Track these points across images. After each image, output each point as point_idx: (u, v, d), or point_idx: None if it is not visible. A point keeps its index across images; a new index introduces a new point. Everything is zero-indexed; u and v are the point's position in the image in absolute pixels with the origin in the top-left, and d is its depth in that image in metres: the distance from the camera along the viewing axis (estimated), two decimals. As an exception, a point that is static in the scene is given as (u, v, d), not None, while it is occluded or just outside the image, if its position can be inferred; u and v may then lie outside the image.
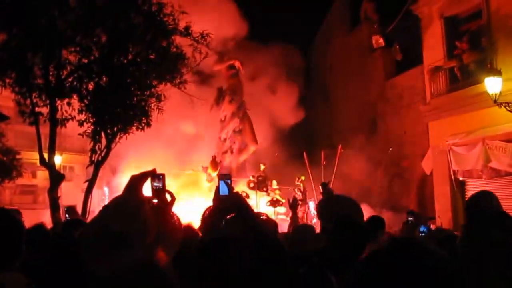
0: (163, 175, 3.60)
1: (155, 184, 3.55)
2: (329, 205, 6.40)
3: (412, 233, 11.11)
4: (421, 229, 10.63)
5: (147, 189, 3.33)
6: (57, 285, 4.94)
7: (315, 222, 26.05)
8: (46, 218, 14.08)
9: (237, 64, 29.08)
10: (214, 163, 27.31)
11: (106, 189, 31.99)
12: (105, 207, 3.23)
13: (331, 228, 5.32)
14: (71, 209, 13.69)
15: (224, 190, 4.25)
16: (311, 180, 27.71)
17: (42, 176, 35.97)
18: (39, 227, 6.55)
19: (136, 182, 3.29)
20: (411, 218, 12.23)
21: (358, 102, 34.66)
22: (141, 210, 3.10)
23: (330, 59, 39.30)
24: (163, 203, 3.53)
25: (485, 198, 5.72)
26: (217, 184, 4.34)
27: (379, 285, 1.94)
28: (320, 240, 6.41)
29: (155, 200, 3.46)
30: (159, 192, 3.54)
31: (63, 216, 17.49)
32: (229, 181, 4.30)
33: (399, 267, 1.94)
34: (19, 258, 3.76)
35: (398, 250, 2.01)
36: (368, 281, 1.98)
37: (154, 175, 3.53)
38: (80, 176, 38.19)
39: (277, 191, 28.46)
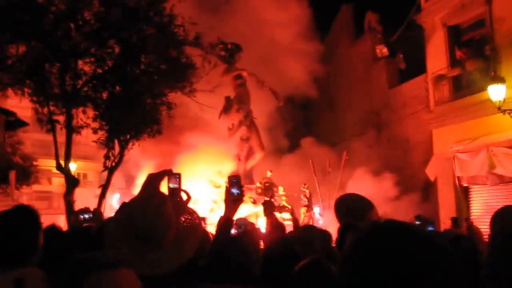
0: (179, 174, 3.92)
1: (172, 183, 3.85)
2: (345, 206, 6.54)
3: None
4: (429, 228, 10.75)
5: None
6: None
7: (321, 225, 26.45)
8: (60, 223, 14.37)
9: (244, 74, 29.33)
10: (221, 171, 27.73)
11: (118, 195, 32.18)
12: (126, 204, 3.53)
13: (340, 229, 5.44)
14: (97, 213, 13.84)
15: (234, 190, 4.50)
16: (316, 186, 27.98)
17: (57, 183, 36.24)
18: (52, 227, 6.66)
19: (153, 180, 3.63)
20: (418, 223, 12.30)
21: (362, 111, 34.92)
22: (165, 207, 3.29)
23: (335, 69, 39.51)
24: (179, 201, 3.77)
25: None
26: (227, 185, 4.63)
27: (363, 275, 1.73)
28: (326, 240, 6.70)
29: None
30: (175, 191, 3.83)
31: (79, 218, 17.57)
32: (239, 181, 4.62)
33: (384, 250, 1.73)
34: (36, 254, 3.88)
35: (379, 232, 1.82)
36: (351, 271, 1.77)
37: (171, 174, 3.85)
38: (93, 183, 38.51)
39: (284, 197, 28.71)
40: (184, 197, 3.87)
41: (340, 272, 1.84)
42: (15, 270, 3.58)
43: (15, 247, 3.73)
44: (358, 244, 1.81)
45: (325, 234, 7.02)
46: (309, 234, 6.35)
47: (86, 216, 10.30)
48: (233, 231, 7.05)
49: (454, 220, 19.18)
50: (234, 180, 4.56)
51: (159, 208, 3.25)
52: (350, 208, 6.08)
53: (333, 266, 4.01)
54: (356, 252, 1.80)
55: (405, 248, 1.73)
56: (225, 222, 4.52)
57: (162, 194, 3.49)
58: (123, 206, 3.54)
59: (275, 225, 7.90)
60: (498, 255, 3.77)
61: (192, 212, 3.59)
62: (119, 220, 3.47)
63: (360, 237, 1.83)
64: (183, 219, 3.46)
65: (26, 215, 3.94)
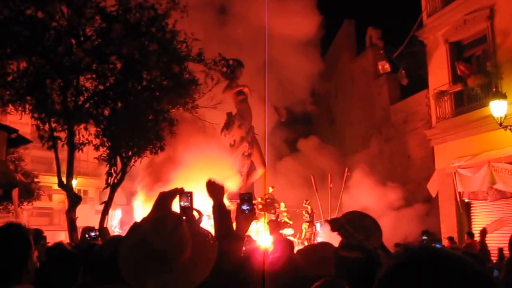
0: (190, 193, 3.84)
1: (183, 202, 3.77)
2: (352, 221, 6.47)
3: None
4: (437, 245, 10.71)
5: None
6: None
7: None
8: (61, 239, 14.34)
9: (245, 90, 29.37)
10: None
11: (119, 211, 32.17)
12: (138, 225, 3.46)
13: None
14: (103, 230, 13.76)
15: (245, 208, 4.36)
16: (318, 202, 27.97)
17: (58, 199, 36.39)
18: (60, 245, 6.53)
19: (164, 199, 3.55)
20: (425, 238, 12.22)
21: (363, 126, 35.01)
22: (180, 227, 3.22)
23: (336, 84, 39.63)
24: (192, 220, 3.71)
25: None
26: (238, 202, 4.47)
27: None
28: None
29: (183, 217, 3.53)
30: (187, 209, 3.76)
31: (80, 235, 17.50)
32: (250, 198, 4.46)
33: (421, 277, 1.67)
34: (28, 272, 3.76)
35: (416, 259, 1.73)
36: None
37: (182, 193, 3.78)
38: (93, 199, 38.59)
39: (285, 213, 28.72)
40: (196, 215, 3.84)
41: None
42: (5, 288, 3.51)
43: (4, 265, 3.65)
44: (396, 272, 1.74)
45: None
46: (328, 253, 6.31)
47: (92, 234, 10.26)
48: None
49: (451, 239, 19.26)
50: (246, 198, 4.47)
51: (175, 229, 3.19)
52: (355, 227, 6.04)
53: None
54: (394, 280, 1.72)
55: (450, 279, 1.65)
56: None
57: (177, 214, 3.44)
58: (135, 227, 3.48)
59: (284, 243, 7.82)
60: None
61: (207, 233, 3.54)
62: (133, 242, 3.37)
63: (398, 265, 1.75)
64: (198, 240, 3.39)
65: (15, 233, 3.84)
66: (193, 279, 3.20)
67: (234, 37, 31.48)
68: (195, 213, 3.84)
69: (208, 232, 3.58)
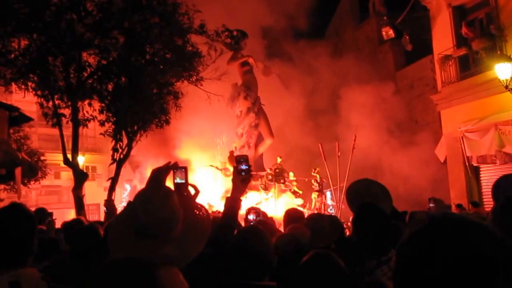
0: (185, 168, 3.77)
1: (178, 177, 3.70)
2: (359, 192, 6.42)
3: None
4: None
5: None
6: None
7: (332, 211, 26.46)
8: (70, 217, 14.38)
9: (250, 60, 29.24)
10: (232, 158, 27.57)
11: (127, 186, 32.29)
12: (131, 201, 3.41)
13: (355, 216, 5.41)
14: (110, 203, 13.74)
15: (242, 169, 4.48)
16: (327, 171, 27.92)
17: (66, 177, 36.44)
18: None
19: (158, 175, 3.49)
20: (432, 205, 12.15)
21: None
22: (168, 202, 3.18)
23: (340, 52, 39.50)
24: (187, 196, 3.64)
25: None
26: (234, 164, 4.60)
27: (422, 271, 1.67)
28: (336, 229, 6.63)
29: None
30: (181, 185, 3.68)
31: (88, 214, 17.56)
32: (246, 160, 4.58)
33: (446, 245, 1.66)
34: (31, 254, 3.73)
35: (441, 227, 1.73)
36: (410, 267, 1.72)
37: (176, 168, 3.69)
38: (102, 175, 38.63)
39: (294, 183, 28.74)
40: (192, 191, 3.76)
41: (397, 269, 1.79)
42: (10, 272, 3.49)
43: (9, 248, 3.60)
44: (421, 239, 1.74)
45: (334, 221, 6.97)
46: (318, 224, 6.29)
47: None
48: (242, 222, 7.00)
49: (460, 206, 19.22)
50: (242, 160, 4.53)
51: (163, 201, 3.15)
52: (362, 197, 5.99)
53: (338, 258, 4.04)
54: (418, 248, 1.72)
55: (476, 245, 1.66)
56: (233, 202, 4.52)
57: (167, 187, 3.37)
58: (128, 204, 3.45)
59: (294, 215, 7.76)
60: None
61: (200, 207, 3.49)
62: (122, 218, 3.40)
63: (422, 232, 1.76)
64: (191, 214, 3.36)
65: (20, 215, 3.78)
66: (187, 253, 3.15)
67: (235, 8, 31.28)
68: (190, 188, 3.75)
69: (202, 206, 3.53)
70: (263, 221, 7.39)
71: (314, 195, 28.27)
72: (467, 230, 1.70)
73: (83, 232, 6.13)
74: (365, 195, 6.02)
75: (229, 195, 4.53)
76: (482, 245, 1.65)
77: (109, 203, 15.64)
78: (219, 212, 7.94)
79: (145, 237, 3.08)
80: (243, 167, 4.49)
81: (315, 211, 25.51)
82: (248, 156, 4.76)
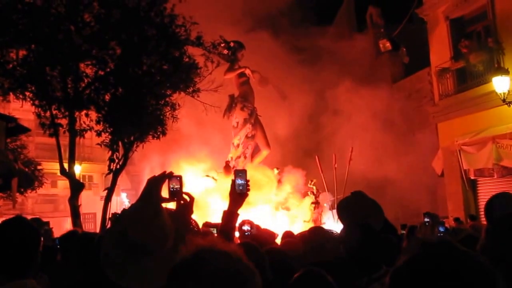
0: (180, 177, 3.81)
1: (172, 185, 3.75)
2: (349, 206, 6.45)
3: (431, 234, 11.07)
4: (441, 229, 10.59)
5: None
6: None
7: (324, 223, 26.43)
8: (67, 226, 14.38)
9: (247, 71, 29.22)
10: (227, 168, 27.53)
11: (123, 194, 32.33)
12: (121, 215, 3.43)
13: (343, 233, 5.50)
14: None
15: (240, 184, 4.48)
16: (323, 183, 27.90)
17: (62, 186, 36.37)
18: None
19: (153, 185, 3.51)
20: (427, 220, 12.18)
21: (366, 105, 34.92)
22: (158, 218, 3.22)
23: (337, 64, 39.52)
24: (180, 204, 3.73)
25: (505, 200, 5.45)
26: (232, 178, 4.59)
27: None
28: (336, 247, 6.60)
29: (174, 202, 3.67)
30: (176, 193, 3.74)
31: (85, 223, 17.52)
32: (244, 175, 4.57)
33: (438, 276, 1.74)
34: (34, 266, 3.77)
35: (434, 256, 1.80)
36: None
37: (172, 177, 3.74)
38: (98, 185, 38.70)
39: (291, 194, 28.70)
40: (187, 199, 3.79)
41: None
42: (11, 283, 3.52)
43: (12, 259, 3.64)
44: (414, 266, 1.83)
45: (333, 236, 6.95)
46: (320, 238, 6.27)
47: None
48: (237, 234, 7.00)
49: (457, 220, 19.25)
50: (240, 174, 4.55)
51: (152, 220, 3.17)
52: (352, 211, 6.00)
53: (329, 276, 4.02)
54: (411, 275, 1.81)
55: (465, 277, 1.75)
56: (230, 216, 4.52)
57: (156, 203, 3.39)
58: (120, 216, 3.47)
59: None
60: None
61: (190, 221, 3.61)
62: (114, 231, 3.41)
63: (415, 260, 1.85)
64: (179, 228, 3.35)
65: (23, 229, 3.83)
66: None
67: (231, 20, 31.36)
68: (185, 196, 3.79)
69: (192, 220, 3.67)
70: (256, 235, 7.42)
71: (310, 207, 28.22)
72: (458, 262, 1.79)
73: (78, 241, 6.13)
74: (356, 209, 6.04)
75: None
76: (471, 277, 1.75)
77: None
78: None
79: (135, 254, 3.11)
80: (241, 181, 4.49)
81: (312, 223, 25.48)
82: (246, 171, 4.75)
